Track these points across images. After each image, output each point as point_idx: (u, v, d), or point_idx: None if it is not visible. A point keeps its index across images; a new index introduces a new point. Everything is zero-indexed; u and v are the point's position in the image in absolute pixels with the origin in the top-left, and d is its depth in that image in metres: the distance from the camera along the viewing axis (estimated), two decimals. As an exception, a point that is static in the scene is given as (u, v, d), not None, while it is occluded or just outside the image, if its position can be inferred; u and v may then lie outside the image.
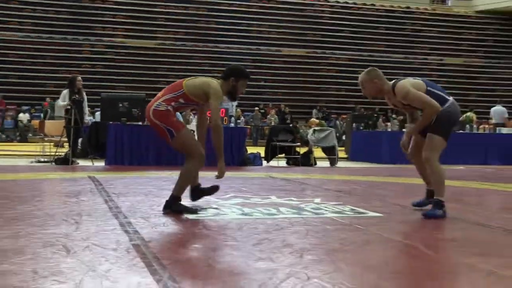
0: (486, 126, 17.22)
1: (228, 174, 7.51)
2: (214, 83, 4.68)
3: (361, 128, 14.90)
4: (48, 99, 21.34)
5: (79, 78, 10.62)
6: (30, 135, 21.15)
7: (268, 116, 23.77)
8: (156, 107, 4.61)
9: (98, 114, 14.61)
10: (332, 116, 25.61)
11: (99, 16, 26.93)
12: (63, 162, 9.96)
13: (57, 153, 10.41)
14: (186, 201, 4.78)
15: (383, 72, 5.00)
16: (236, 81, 4.74)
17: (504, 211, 5.79)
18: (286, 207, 5.08)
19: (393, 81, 4.87)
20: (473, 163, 13.10)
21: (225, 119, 11.40)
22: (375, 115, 22.10)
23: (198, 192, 5.03)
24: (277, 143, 11.66)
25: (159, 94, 4.74)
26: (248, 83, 5.00)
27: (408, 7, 31.59)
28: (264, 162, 11.68)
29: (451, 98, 4.81)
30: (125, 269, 2.81)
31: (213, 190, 5.06)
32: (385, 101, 5.09)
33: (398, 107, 4.97)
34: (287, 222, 4.29)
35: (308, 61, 28.70)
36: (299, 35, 29.08)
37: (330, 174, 9.71)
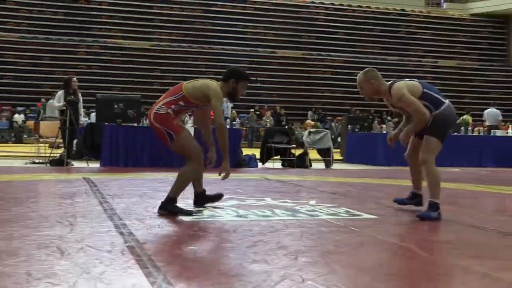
0: (481, 128, 17.26)
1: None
2: (214, 84, 4.70)
3: (357, 130, 14.93)
4: (43, 100, 21.29)
5: (75, 79, 10.59)
6: (25, 136, 21.10)
7: (264, 118, 23.78)
8: (156, 110, 4.64)
9: (93, 115, 14.57)
10: (328, 118, 25.64)
11: (95, 17, 26.91)
12: (58, 163, 9.93)
13: (52, 154, 10.39)
14: (181, 202, 4.78)
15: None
16: (236, 82, 4.76)
17: (498, 213, 5.81)
18: (281, 209, 5.07)
19: (390, 82, 4.89)
20: (468, 165, 13.14)
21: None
22: (371, 117, 22.18)
23: (203, 198, 5.06)
24: (273, 145, 11.66)
25: (160, 98, 4.76)
26: (245, 84, 5.01)
27: (403, 10, 31.67)
28: (260, 164, 11.69)
29: (447, 101, 4.83)
30: (120, 271, 2.80)
31: (217, 197, 5.13)
32: (381, 103, 5.11)
33: (396, 107, 4.98)
34: (282, 224, 4.29)
35: (303, 63, 28.73)
36: (295, 37, 29.12)
37: (325, 176, 9.72)
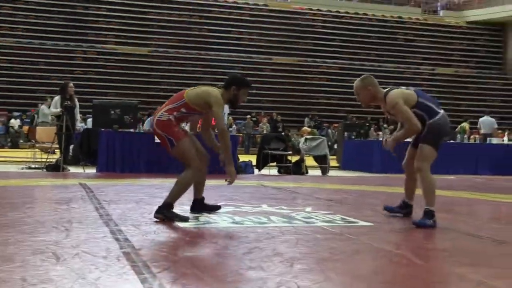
0: (477, 136, 17.31)
1: (219, 182, 7.50)
2: (215, 91, 4.77)
3: (353, 137, 14.96)
4: (40, 105, 21.24)
5: (71, 84, 10.55)
6: (21, 141, 21.06)
7: (260, 124, 23.79)
8: (159, 117, 4.71)
9: (90, 120, 14.57)
10: (324, 124, 25.67)
11: (91, 23, 26.93)
12: (54, 168, 9.92)
13: (48, 160, 10.37)
14: (178, 208, 4.77)
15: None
16: (238, 89, 4.83)
17: (493, 221, 5.82)
18: (277, 215, 5.08)
19: (387, 89, 4.92)
20: (464, 173, 13.16)
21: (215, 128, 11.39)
22: (367, 124, 22.20)
23: (201, 205, 5.09)
24: (269, 152, 11.66)
25: (163, 105, 4.83)
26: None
27: (400, 17, 31.79)
28: (256, 171, 11.68)
29: (441, 111, 4.87)
30: (115, 277, 2.80)
31: (215, 208, 5.18)
32: (377, 110, 5.16)
33: (391, 114, 5.01)
34: (278, 231, 4.29)
35: (299, 70, 28.79)
36: (291, 44, 29.19)
37: (321, 183, 9.72)
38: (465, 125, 21.54)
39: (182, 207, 5.03)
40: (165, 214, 4.59)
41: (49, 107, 16.09)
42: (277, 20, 29.52)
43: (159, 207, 4.66)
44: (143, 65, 26.36)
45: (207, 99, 4.69)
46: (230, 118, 21.66)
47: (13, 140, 21.63)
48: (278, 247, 3.68)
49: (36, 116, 18.75)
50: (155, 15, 27.96)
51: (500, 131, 19.24)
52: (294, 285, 2.74)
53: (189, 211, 5.04)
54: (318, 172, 12.19)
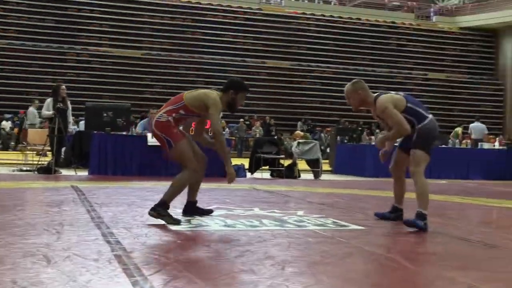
0: (469, 141, 17.42)
1: (212, 185, 7.50)
2: (213, 94, 4.83)
3: (346, 141, 14.97)
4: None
5: (63, 86, 10.52)
6: (12, 143, 20.95)
7: (253, 128, 23.79)
8: (158, 118, 4.78)
9: (82, 123, 14.53)
10: (317, 128, 25.69)
11: (84, 25, 26.83)
12: (46, 171, 9.88)
13: (40, 162, 10.33)
14: (169, 211, 4.77)
15: (368, 85, 5.13)
16: (236, 93, 4.90)
17: (484, 225, 5.85)
18: (269, 219, 5.08)
19: (377, 93, 4.99)
20: (455, 178, 13.22)
21: (210, 130, 11.39)
22: (360, 128, 22.24)
23: (193, 209, 5.10)
24: (262, 155, 11.67)
25: (162, 107, 4.90)
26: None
27: (393, 22, 31.88)
28: (248, 174, 11.69)
29: (430, 116, 4.96)
30: (106, 280, 2.80)
31: (207, 212, 5.19)
32: (370, 115, 5.20)
33: (380, 117, 5.08)
34: (270, 234, 4.30)
35: (293, 74, 28.81)
36: (284, 48, 29.20)
37: (313, 186, 9.73)
38: (458, 129, 21.66)
39: (175, 210, 5.02)
40: (159, 212, 4.62)
41: (37, 109, 16.03)
42: (271, 24, 29.53)
43: (155, 204, 4.69)
44: (136, 67, 26.29)
45: (205, 101, 4.76)
46: (223, 121, 21.66)
47: (4, 142, 21.53)
48: (269, 250, 3.69)
49: (25, 118, 18.67)
50: (148, 17, 27.91)
51: (491, 136, 19.34)
52: (285, 288, 2.75)
53: (181, 214, 5.05)
54: (310, 176, 12.21)
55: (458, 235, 4.69)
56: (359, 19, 31.36)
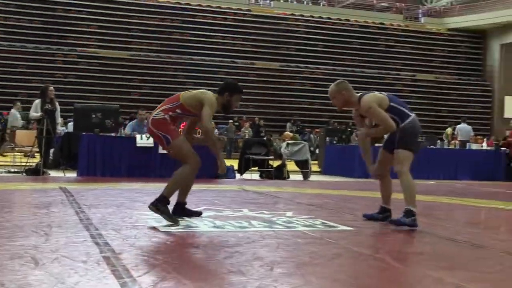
0: (457, 141, 17.52)
1: (201, 186, 7.49)
2: (210, 93, 4.93)
3: (335, 142, 15.02)
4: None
5: (51, 88, 10.45)
6: (-1, 145, 20.80)
7: (242, 129, 23.79)
8: (154, 116, 4.87)
9: (70, 124, 14.47)
10: (306, 129, 25.72)
11: (72, 26, 26.71)
12: (34, 172, 9.83)
13: (28, 164, 10.28)
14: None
15: (356, 86, 5.20)
16: (230, 95, 4.99)
17: (471, 225, 5.89)
18: (258, 220, 5.09)
19: (360, 93, 5.07)
20: (443, 178, 13.29)
21: (198, 131, 11.38)
22: (349, 129, 22.28)
23: (182, 210, 5.11)
24: (251, 156, 11.68)
25: (158, 106, 4.98)
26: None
27: (381, 23, 32.00)
28: (237, 175, 11.68)
29: (412, 114, 5.06)
30: (95, 282, 2.79)
31: (196, 214, 5.19)
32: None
33: (363, 116, 5.14)
34: (259, 235, 4.30)
35: (282, 75, 28.85)
36: (273, 49, 29.23)
37: (302, 187, 9.75)
38: (448, 130, 21.77)
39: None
40: (159, 208, 4.66)
41: (19, 111, 15.92)
42: (260, 25, 29.54)
43: (155, 199, 4.71)
44: (124, 69, 26.20)
45: (201, 99, 4.83)
46: (212, 122, 21.63)
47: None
48: (258, 251, 3.70)
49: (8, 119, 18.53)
50: (137, 18, 27.83)
51: (479, 137, 19.46)
52: (273, 289, 2.75)
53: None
54: (299, 177, 12.23)
55: (446, 235, 4.72)
56: (348, 20, 31.45)
